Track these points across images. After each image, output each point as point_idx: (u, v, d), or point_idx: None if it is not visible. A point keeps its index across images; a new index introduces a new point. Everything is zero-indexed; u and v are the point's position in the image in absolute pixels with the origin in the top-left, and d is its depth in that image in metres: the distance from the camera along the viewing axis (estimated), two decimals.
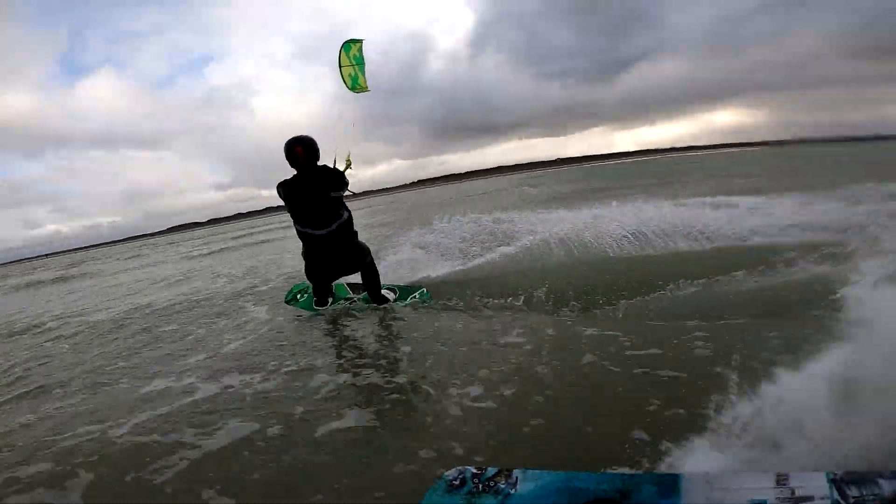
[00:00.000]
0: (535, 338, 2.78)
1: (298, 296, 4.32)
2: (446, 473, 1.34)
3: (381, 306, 3.92)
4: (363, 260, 3.86)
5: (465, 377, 2.34)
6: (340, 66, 4.16)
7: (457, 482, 1.32)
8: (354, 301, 4.13)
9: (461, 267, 4.90)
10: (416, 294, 4.14)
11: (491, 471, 1.32)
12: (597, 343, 2.56)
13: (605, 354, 2.40)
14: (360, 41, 4.17)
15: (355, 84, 4.23)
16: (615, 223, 4.85)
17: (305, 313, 4.06)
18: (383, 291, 4.05)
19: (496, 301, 3.82)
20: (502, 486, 1.28)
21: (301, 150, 3.58)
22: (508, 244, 5.11)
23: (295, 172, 3.65)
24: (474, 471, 1.33)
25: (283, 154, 3.63)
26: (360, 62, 4.22)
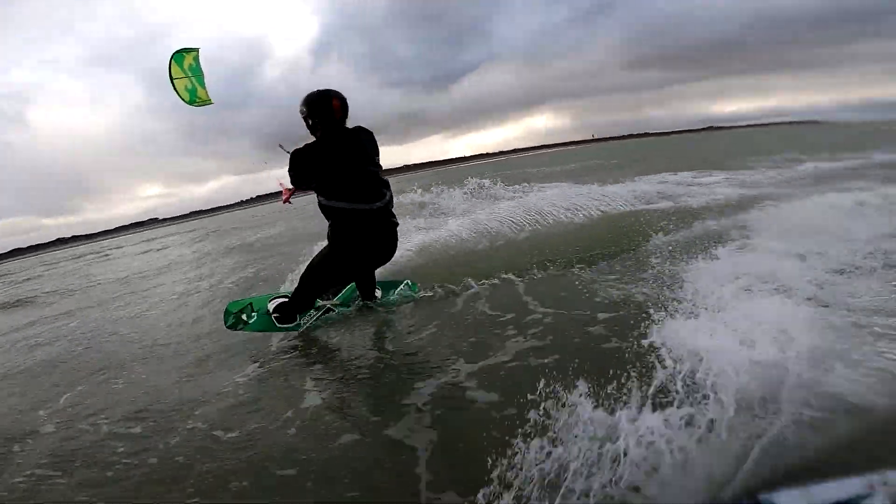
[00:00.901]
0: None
1: (244, 316, 3.40)
2: None
3: (371, 306, 3.44)
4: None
5: None
6: (172, 79, 3.85)
7: None
8: (330, 309, 3.47)
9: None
10: (401, 286, 3.75)
11: None
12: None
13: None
14: (194, 50, 3.89)
15: (194, 97, 3.94)
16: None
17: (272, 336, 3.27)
18: None
19: (491, 281, 3.61)
20: None
21: (339, 104, 2.79)
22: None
23: (314, 139, 2.87)
24: None
25: (305, 112, 2.82)
26: (197, 73, 3.95)
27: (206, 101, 3.97)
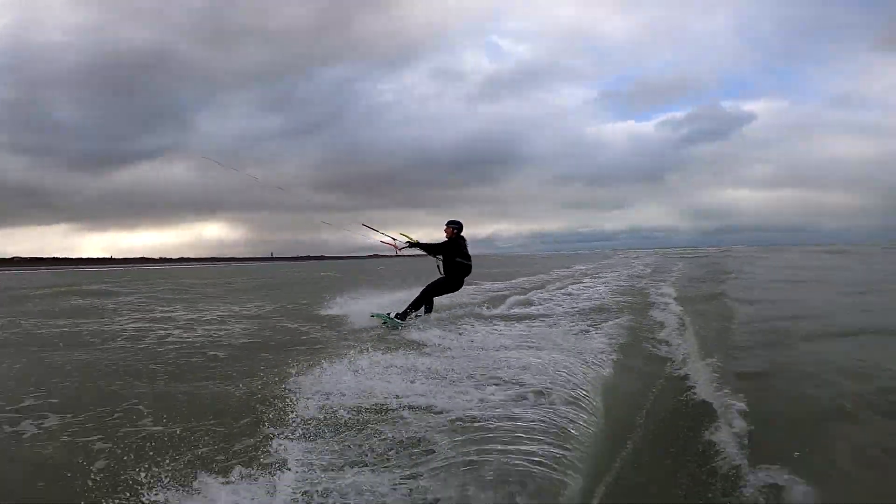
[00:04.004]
0: None
1: (381, 318, 7.18)
2: None
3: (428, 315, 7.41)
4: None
5: None
6: None
7: None
8: (416, 315, 7.30)
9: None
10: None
11: None
12: None
13: None
14: None
15: None
16: None
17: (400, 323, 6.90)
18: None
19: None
20: None
21: (461, 228, 7.48)
22: None
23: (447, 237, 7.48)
24: None
25: (456, 227, 7.39)
26: None
27: None
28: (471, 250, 7.66)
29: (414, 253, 7.86)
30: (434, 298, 7.65)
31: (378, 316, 7.27)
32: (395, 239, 7.80)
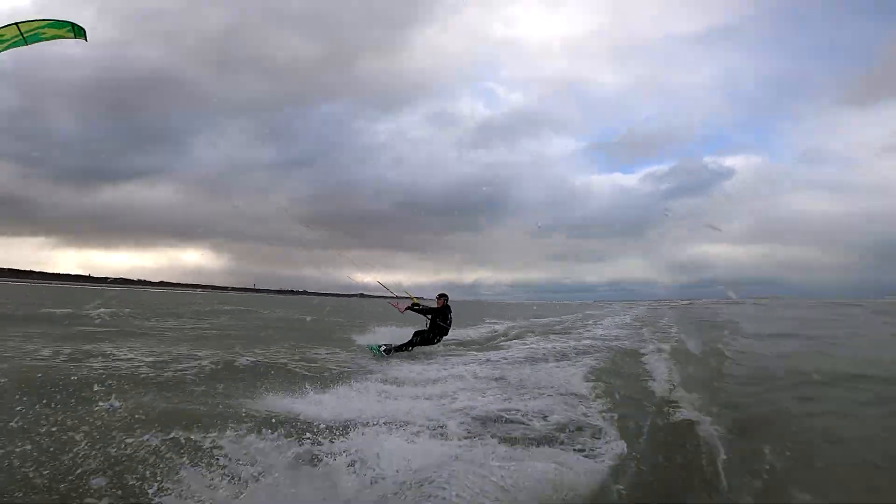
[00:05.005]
0: None
1: (374, 350, 9.36)
2: None
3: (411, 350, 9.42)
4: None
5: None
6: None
7: None
8: (400, 350, 9.46)
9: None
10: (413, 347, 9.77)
11: None
12: None
13: None
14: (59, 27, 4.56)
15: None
16: None
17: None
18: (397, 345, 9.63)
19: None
20: None
21: (447, 298, 10.29)
22: None
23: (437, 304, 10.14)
24: None
25: (445, 297, 10.11)
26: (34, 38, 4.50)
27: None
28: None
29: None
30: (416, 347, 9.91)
31: (371, 348, 9.51)
32: (398, 299, 10.40)
